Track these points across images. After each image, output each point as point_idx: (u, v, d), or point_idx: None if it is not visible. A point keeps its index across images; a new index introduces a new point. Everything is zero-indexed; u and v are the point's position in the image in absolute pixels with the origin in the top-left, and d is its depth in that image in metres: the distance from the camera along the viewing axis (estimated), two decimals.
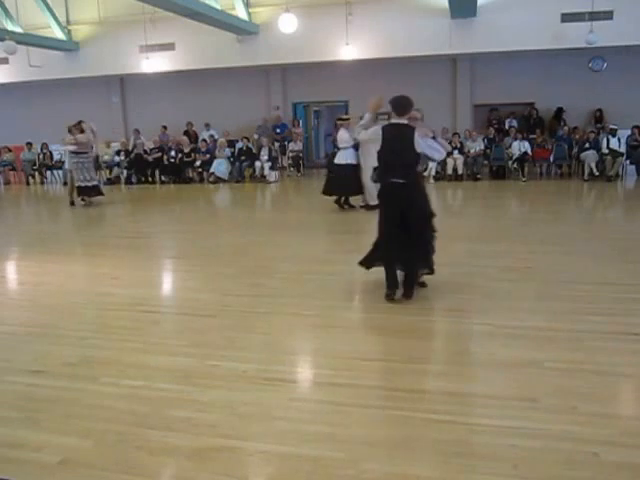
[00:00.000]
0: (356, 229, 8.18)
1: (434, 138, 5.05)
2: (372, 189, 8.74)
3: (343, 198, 9.64)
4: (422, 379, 3.25)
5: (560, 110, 13.74)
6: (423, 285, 4.92)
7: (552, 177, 13.22)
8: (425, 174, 13.20)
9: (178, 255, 6.99)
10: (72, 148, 10.52)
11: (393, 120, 4.69)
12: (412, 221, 4.58)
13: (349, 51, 13.19)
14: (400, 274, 4.72)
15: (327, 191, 9.63)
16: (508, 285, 5.01)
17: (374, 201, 8.23)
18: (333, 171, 9.65)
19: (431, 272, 4.86)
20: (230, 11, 13.12)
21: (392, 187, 4.56)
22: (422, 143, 4.60)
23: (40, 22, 14.54)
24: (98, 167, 15.34)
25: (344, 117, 9.97)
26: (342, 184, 9.40)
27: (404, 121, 4.59)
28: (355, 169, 9.27)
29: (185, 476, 2.48)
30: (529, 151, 12.61)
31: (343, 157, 9.42)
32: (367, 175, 8.52)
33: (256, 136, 14.85)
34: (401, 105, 4.57)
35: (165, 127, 15.69)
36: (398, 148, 4.54)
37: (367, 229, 8.35)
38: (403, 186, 4.50)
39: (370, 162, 8.61)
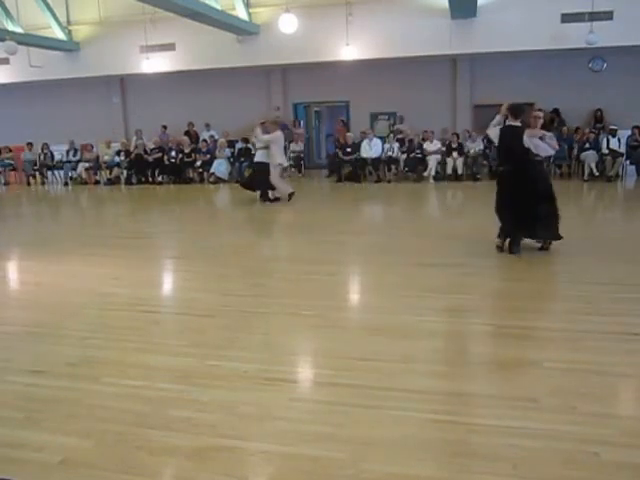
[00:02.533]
0: (355, 229, 8.18)
1: (542, 138, 6.05)
2: (280, 184, 10.44)
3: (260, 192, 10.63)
4: (422, 379, 3.24)
5: (556, 111, 13.75)
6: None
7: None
8: (425, 174, 13.26)
9: (178, 255, 6.99)
10: None
11: (508, 122, 5.96)
12: (523, 197, 5.81)
13: (349, 51, 13.19)
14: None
15: (247, 185, 11.00)
16: (508, 285, 5.02)
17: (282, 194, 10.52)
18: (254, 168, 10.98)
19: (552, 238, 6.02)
20: (230, 11, 13.13)
21: (502, 174, 6.08)
22: (528, 141, 5.82)
23: (40, 22, 14.54)
24: (98, 167, 15.41)
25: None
26: (260, 180, 10.55)
27: (517, 123, 5.86)
28: (267, 167, 10.40)
29: (185, 476, 2.48)
30: None
31: (260, 156, 10.51)
32: (275, 172, 10.29)
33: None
34: (515, 110, 5.87)
35: (165, 127, 15.69)
36: (508, 144, 5.89)
37: (366, 230, 8.37)
38: (510, 173, 5.91)
39: (275, 161, 10.23)
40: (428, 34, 12.83)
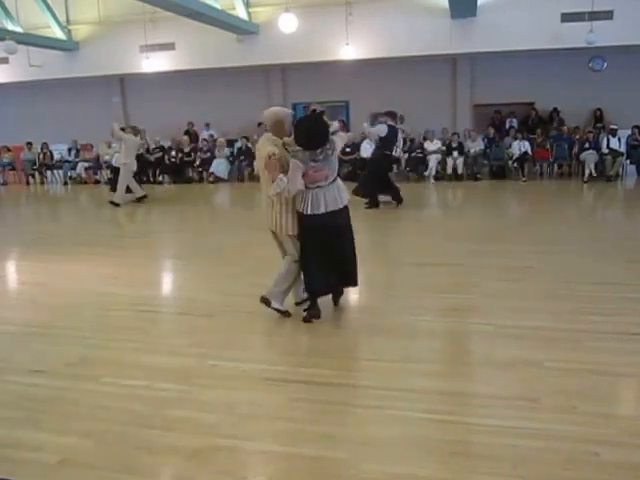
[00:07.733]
0: (355, 229, 8.16)
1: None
2: (122, 187, 10.92)
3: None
4: (422, 379, 3.24)
5: (555, 110, 13.76)
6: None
7: (552, 177, 13.22)
8: (426, 173, 13.25)
9: (178, 255, 6.99)
10: None
11: (390, 123, 8.82)
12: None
13: (349, 51, 13.18)
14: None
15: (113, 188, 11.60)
16: (508, 285, 5.01)
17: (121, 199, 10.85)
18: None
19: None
20: (230, 11, 13.11)
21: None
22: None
23: (40, 22, 14.52)
24: (99, 167, 15.39)
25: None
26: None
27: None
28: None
29: (185, 476, 2.48)
30: (529, 151, 12.61)
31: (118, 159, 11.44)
32: (123, 173, 10.83)
33: (256, 136, 14.83)
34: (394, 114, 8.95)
35: (165, 127, 15.68)
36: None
37: (366, 229, 8.36)
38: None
39: (120, 160, 11.10)
40: (428, 34, 12.82)
